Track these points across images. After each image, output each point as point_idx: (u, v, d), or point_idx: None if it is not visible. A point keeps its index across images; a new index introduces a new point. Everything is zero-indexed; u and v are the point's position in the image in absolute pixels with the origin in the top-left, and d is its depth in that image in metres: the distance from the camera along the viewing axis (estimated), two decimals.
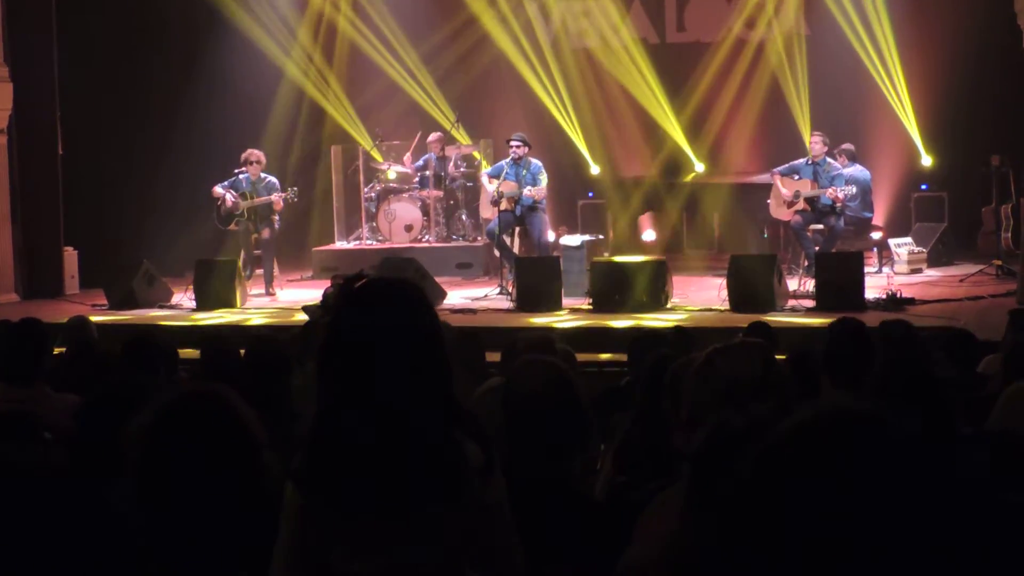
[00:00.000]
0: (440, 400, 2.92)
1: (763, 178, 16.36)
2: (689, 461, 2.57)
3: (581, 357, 10.60)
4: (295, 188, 15.35)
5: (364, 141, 17.98)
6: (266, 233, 15.19)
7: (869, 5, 16.99)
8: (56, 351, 7.41)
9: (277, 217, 15.31)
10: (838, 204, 14.38)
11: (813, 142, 14.67)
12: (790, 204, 14.74)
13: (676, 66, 18.22)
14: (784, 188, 14.79)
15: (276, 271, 15.53)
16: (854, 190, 14.49)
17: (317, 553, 2.92)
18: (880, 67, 17.04)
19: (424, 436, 2.88)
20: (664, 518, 2.66)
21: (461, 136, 17.56)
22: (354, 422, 2.88)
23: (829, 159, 14.74)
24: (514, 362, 6.09)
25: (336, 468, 2.90)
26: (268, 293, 15.23)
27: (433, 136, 17.02)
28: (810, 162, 14.69)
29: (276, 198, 15.15)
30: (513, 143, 14.87)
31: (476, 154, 17.35)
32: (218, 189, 15.33)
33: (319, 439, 2.94)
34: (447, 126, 17.32)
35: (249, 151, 15.53)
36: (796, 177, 14.79)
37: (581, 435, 3.74)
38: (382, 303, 2.94)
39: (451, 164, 16.97)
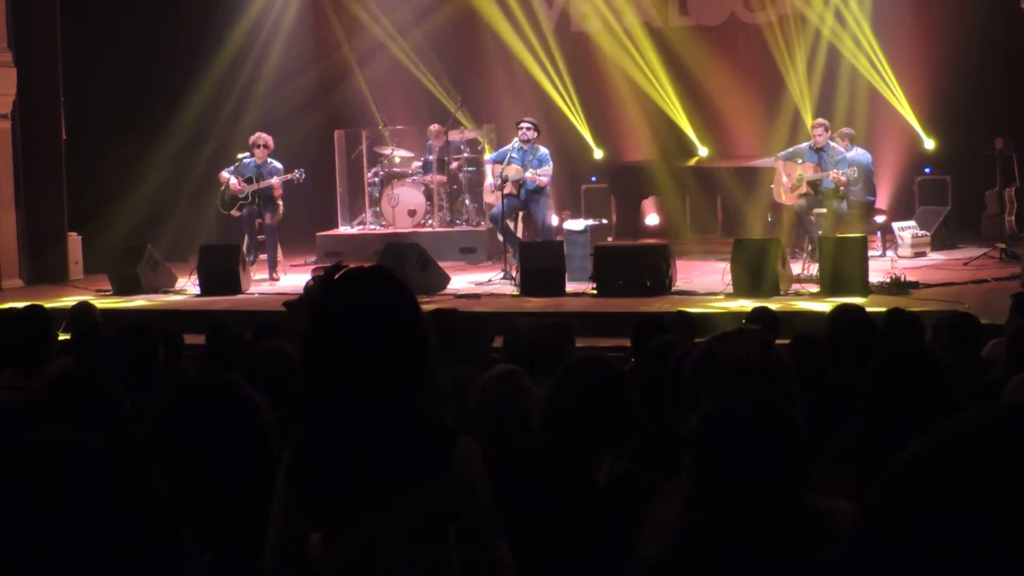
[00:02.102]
0: (412, 383, 2.97)
1: (766, 162, 16.34)
2: (689, 442, 2.59)
3: (585, 342, 10.62)
4: (302, 170, 15.30)
5: (377, 120, 17.99)
6: (269, 218, 15.18)
7: None
8: (60, 337, 7.41)
9: (281, 202, 15.30)
10: (841, 187, 14.35)
11: (816, 133, 14.57)
12: (793, 188, 14.72)
13: (679, 50, 18.20)
14: (786, 176, 14.74)
15: (280, 256, 15.53)
16: (856, 173, 14.46)
17: (301, 536, 3.02)
18: (878, 55, 17.02)
19: (392, 421, 2.93)
20: (670, 508, 2.67)
21: (466, 120, 17.55)
22: (329, 408, 2.95)
23: (832, 143, 14.71)
24: (519, 353, 6.12)
25: (315, 457, 2.96)
26: (272, 278, 15.23)
27: (433, 128, 17.00)
28: (814, 147, 14.66)
29: (276, 182, 15.12)
30: (524, 125, 14.84)
31: (480, 138, 17.35)
32: (224, 174, 15.34)
33: (305, 428, 3.02)
34: (451, 109, 17.33)
35: (257, 135, 15.50)
36: (799, 161, 14.76)
37: (626, 434, 3.85)
38: (356, 289, 3.01)
39: (452, 151, 16.93)
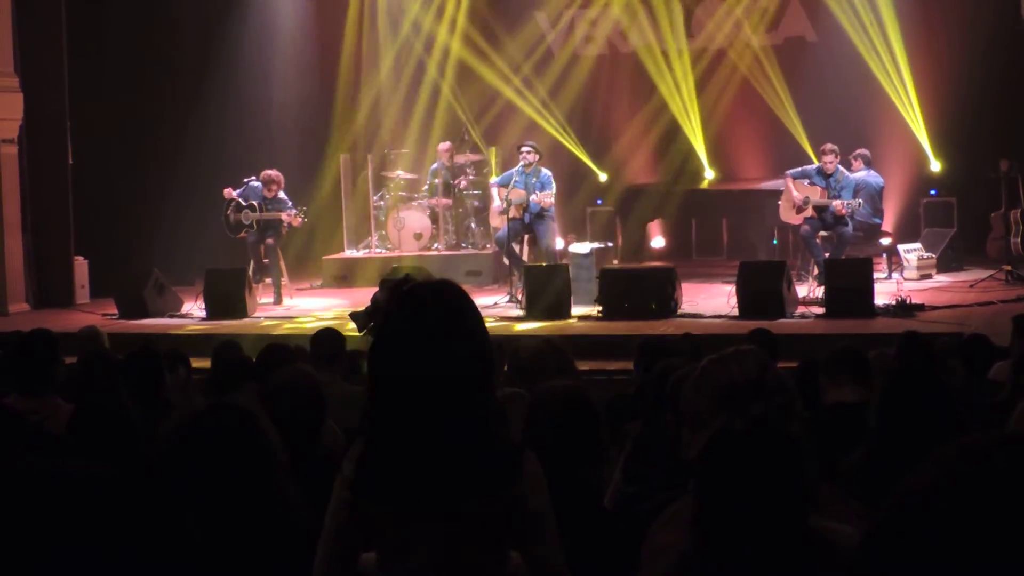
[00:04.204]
0: (484, 398, 3.00)
1: (772, 184, 16.36)
2: (691, 469, 2.59)
3: (591, 365, 10.63)
4: (304, 208, 15.34)
5: (377, 147, 18.00)
6: (272, 239, 15.20)
7: (876, 11, 17.00)
8: (67, 361, 7.41)
9: (286, 225, 15.34)
10: (842, 215, 14.38)
11: (827, 160, 14.57)
12: (799, 209, 14.73)
13: (684, 73, 18.22)
14: (796, 191, 14.78)
15: (285, 280, 15.52)
16: (860, 203, 14.45)
17: (358, 549, 3.03)
18: (890, 72, 17.02)
19: (469, 433, 2.95)
20: (673, 532, 2.67)
21: (478, 140, 17.64)
22: (406, 420, 2.94)
23: (841, 167, 14.73)
24: (523, 375, 6.14)
25: (388, 467, 2.96)
26: (277, 302, 15.23)
27: (443, 145, 17.02)
28: (823, 172, 14.66)
29: (287, 217, 15.12)
30: (524, 149, 14.93)
31: (492, 158, 17.39)
32: (230, 191, 15.36)
33: (373, 440, 3.01)
34: (468, 125, 17.39)
35: (269, 172, 15.35)
36: (807, 183, 14.78)
37: (598, 454, 3.88)
38: (432, 304, 3.01)
39: (456, 174, 16.95)
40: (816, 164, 14.90)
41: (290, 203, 15.28)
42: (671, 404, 3.62)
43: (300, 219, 15.18)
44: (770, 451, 2.50)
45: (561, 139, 18.18)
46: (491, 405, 3.04)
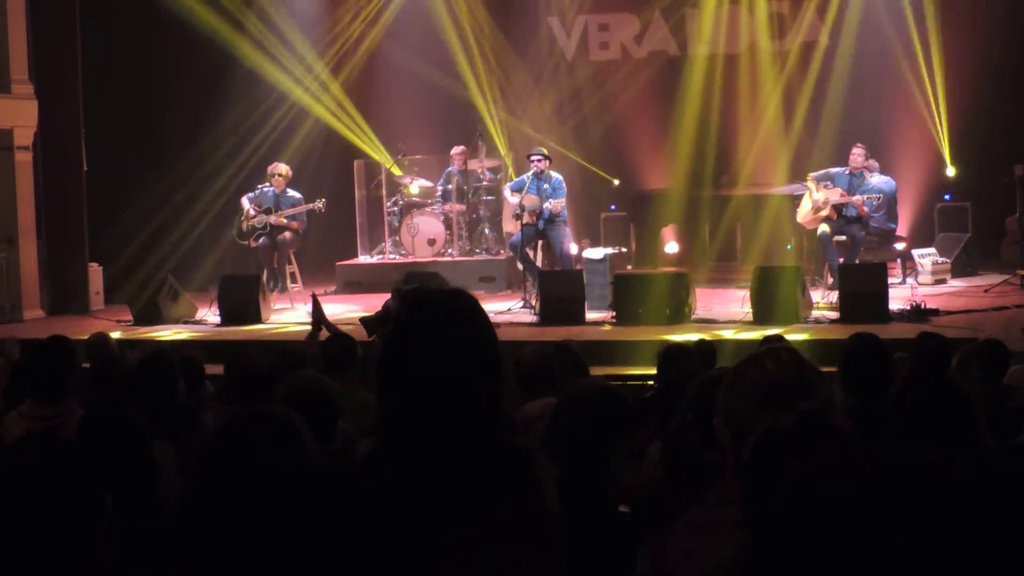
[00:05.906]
0: (491, 405, 2.99)
1: (786, 189, 16.34)
2: (740, 470, 2.58)
3: (604, 371, 10.63)
4: (323, 200, 15.42)
5: (385, 160, 18.00)
6: (287, 235, 15.31)
7: (913, 14, 16.97)
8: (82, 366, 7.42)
9: (300, 229, 15.42)
10: (863, 215, 14.37)
11: (855, 154, 14.62)
12: (818, 209, 14.71)
13: (699, 77, 18.21)
14: (815, 192, 14.77)
15: (300, 285, 15.54)
16: (875, 203, 14.45)
17: None
18: (916, 76, 17.00)
19: (475, 439, 2.94)
20: (695, 539, 2.66)
21: (500, 144, 17.66)
22: (411, 426, 2.94)
23: (865, 172, 14.74)
24: (527, 383, 6.15)
25: (399, 476, 2.96)
26: (283, 292, 15.35)
27: (456, 149, 17.01)
28: (847, 172, 14.67)
29: (297, 224, 15.27)
30: (534, 157, 14.97)
31: (507, 161, 17.39)
32: (244, 201, 15.43)
33: (380, 443, 3.00)
34: (487, 124, 17.44)
35: (275, 164, 15.58)
36: (830, 184, 14.76)
37: (629, 454, 3.89)
38: (441, 310, 3.01)
39: (472, 180, 16.98)
40: (838, 169, 14.90)
41: (302, 199, 15.42)
42: (690, 407, 3.62)
43: (317, 209, 15.34)
44: (823, 444, 2.50)
45: (574, 145, 18.19)
46: (498, 412, 3.03)
